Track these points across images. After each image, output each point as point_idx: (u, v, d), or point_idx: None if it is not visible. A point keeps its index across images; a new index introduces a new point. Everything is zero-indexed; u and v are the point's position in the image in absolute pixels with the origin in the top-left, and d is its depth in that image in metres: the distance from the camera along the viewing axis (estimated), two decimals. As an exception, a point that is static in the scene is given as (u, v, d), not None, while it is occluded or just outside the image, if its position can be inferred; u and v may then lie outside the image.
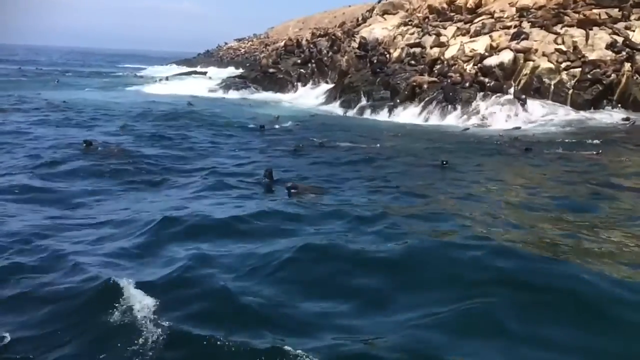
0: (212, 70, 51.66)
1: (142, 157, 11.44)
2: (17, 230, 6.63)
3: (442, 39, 23.98)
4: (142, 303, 4.61)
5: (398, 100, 21.01)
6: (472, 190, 8.77)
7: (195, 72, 49.71)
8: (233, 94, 29.08)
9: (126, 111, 20.54)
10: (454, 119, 18.82)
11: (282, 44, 36.69)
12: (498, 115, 18.26)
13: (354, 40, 29.12)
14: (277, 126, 17.60)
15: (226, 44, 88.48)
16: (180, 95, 27.38)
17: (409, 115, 20.23)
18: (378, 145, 13.87)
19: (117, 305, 4.60)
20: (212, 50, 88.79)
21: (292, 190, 8.32)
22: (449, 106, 19.28)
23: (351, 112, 22.35)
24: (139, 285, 4.92)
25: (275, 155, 12.42)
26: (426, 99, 20.24)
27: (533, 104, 18.42)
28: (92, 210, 7.82)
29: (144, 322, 4.35)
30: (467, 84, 19.80)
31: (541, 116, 17.92)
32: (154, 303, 4.63)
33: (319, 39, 31.73)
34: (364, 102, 22.60)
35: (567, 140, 14.24)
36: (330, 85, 26.16)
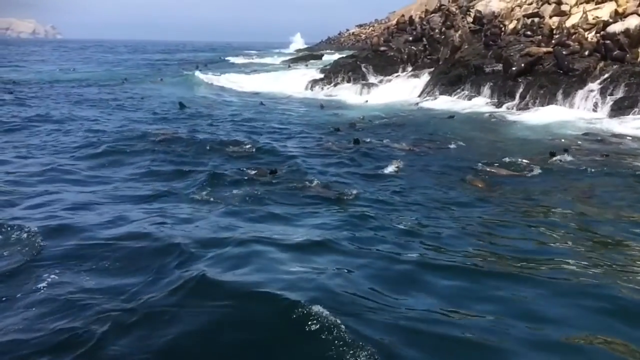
0: (328, 56, 52.10)
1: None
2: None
3: (563, 7, 22.31)
4: None
5: (514, 70, 19.56)
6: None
7: (313, 57, 50.58)
8: (341, 86, 27.72)
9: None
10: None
11: (394, 22, 36.04)
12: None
13: (469, 15, 27.90)
14: (359, 127, 16.11)
15: (347, 30, 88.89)
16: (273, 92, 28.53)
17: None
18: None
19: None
20: (333, 37, 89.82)
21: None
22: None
23: (441, 100, 21.47)
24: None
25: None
26: (540, 71, 18.96)
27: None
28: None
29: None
30: (587, 53, 18.24)
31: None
32: None
33: (432, 15, 30.74)
34: (467, 86, 21.53)
35: None
36: (430, 70, 25.24)
